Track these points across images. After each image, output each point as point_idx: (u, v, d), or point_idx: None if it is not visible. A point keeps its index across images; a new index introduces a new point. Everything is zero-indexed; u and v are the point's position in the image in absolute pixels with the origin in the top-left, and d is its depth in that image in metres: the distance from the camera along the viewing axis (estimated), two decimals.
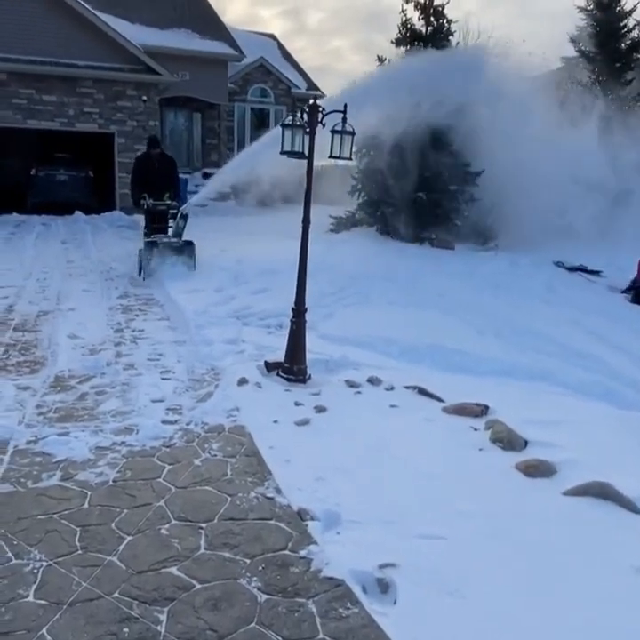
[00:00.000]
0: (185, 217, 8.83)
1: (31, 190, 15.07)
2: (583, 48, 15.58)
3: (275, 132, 5.69)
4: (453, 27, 11.42)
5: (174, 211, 9.06)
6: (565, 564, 2.86)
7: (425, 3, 11.36)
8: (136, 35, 16.01)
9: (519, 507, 3.35)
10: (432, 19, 11.35)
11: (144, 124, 15.74)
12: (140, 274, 8.80)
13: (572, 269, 10.99)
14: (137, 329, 6.47)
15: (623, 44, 15.12)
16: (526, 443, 4.07)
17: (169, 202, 9.16)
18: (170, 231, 9.10)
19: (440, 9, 11.39)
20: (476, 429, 4.32)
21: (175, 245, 8.65)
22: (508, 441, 4.05)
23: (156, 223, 9.07)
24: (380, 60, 11.26)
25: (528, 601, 2.59)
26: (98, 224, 14.01)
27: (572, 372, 6.49)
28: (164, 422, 4.22)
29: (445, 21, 11.35)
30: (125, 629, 2.34)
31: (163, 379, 5.09)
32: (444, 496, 3.40)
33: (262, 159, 7.74)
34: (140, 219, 10.94)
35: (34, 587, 2.55)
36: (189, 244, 8.71)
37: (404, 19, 11.41)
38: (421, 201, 10.55)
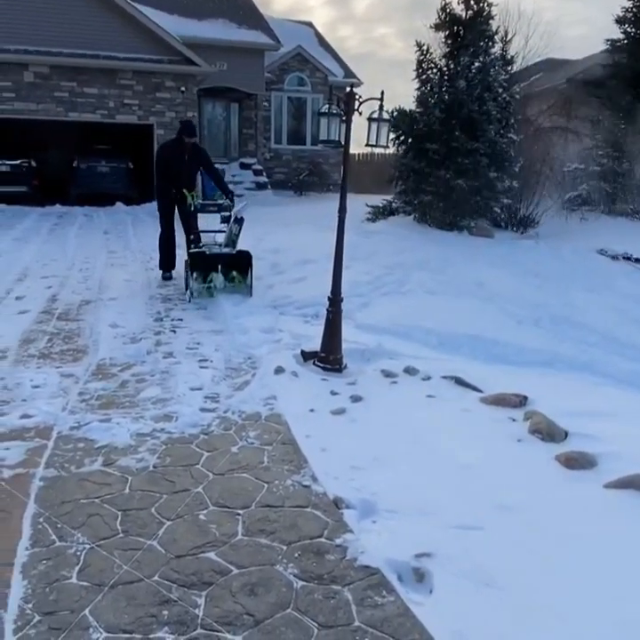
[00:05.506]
0: (240, 221, 7.23)
1: (73, 182, 15.36)
2: (629, 30, 15.08)
3: None
4: (494, 10, 11.16)
5: (228, 212, 7.47)
6: (606, 558, 2.81)
7: None
8: (174, 26, 16.13)
9: (559, 499, 3.30)
10: (472, 2, 11.11)
11: (183, 115, 15.82)
12: (186, 289, 7.28)
13: (616, 257, 10.72)
14: (176, 318, 6.56)
15: None
16: (566, 434, 4.00)
17: (221, 201, 7.62)
18: (210, 236, 7.66)
19: None
20: (514, 420, 4.27)
21: (228, 259, 7.16)
22: (547, 432, 3.99)
23: (194, 229, 7.63)
24: (419, 45, 11.10)
25: (567, 594, 2.56)
26: (138, 215, 14.23)
27: (614, 362, 6.36)
28: (202, 410, 4.28)
29: (485, 5, 11.09)
30: (165, 612, 2.39)
31: (201, 367, 5.15)
32: (482, 487, 3.36)
33: None
34: None
35: (77, 568, 2.62)
36: (246, 257, 7.14)
37: (443, 3, 11.21)
38: (460, 189, 10.40)
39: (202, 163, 8.09)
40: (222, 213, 7.60)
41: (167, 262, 8.29)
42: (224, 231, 7.61)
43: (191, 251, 7.28)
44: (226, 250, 7.28)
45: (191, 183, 7.87)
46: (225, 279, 7.20)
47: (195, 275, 7.11)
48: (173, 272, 8.31)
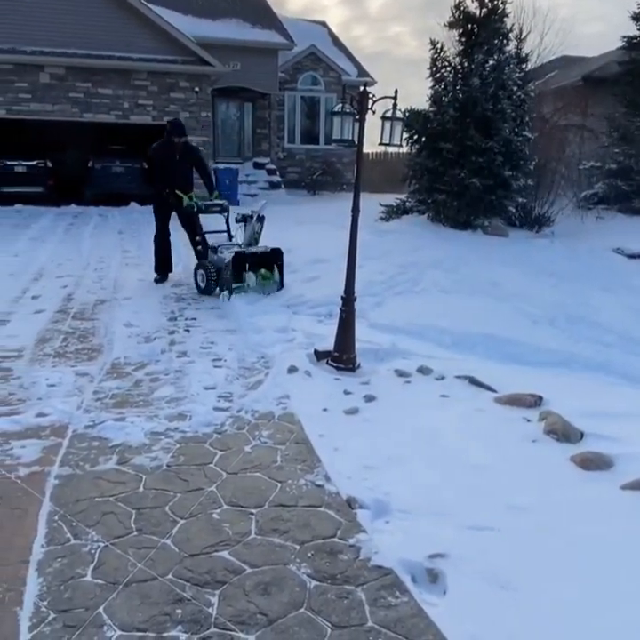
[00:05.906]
0: (261, 219, 7.48)
1: (88, 182, 15.48)
2: None
3: None
4: (508, 8, 11.05)
5: (226, 212, 7.77)
6: (622, 560, 2.78)
7: None
8: (188, 26, 16.18)
9: (574, 500, 3.27)
10: (486, 0, 11.02)
11: (197, 116, 15.91)
12: (204, 290, 7.42)
13: (633, 256, 10.61)
14: (190, 317, 6.58)
15: None
16: (582, 434, 3.96)
17: (221, 202, 7.77)
18: (224, 235, 7.81)
19: None
20: (529, 420, 4.23)
21: (261, 256, 7.32)
22: (562, 433, 3.95)
23: (199, 230, 7.63)
24: (433, 44, 11.04)
25: (582, 596, 2.53)
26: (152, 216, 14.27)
27: (631, 361, 6.30)
28: (215, 409, 4.29)
29: (500, 2, 10.99)
30: (178, 611, 2.40)
31: (214, 366, 5.17)
32: (496, 488, 3.34)
33: None
34: None
35: (91, 566, 2.64)
36: (279, 253, 7.37)
37: (457, 1, 11.12)
38: (474, 187, 10.34)
39: (193, 161, 7.96)
40: (224, 213, 7.76)
41: (161, 264, 8.11)
42: (224, 231, 7.82)
43: (236, 251, 7.23)
44: (261, 248, 7.43)
45: (186, 183, 7.76)
46: (258, 276, 7.30)
47: (233, 273, 7.12)
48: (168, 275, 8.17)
